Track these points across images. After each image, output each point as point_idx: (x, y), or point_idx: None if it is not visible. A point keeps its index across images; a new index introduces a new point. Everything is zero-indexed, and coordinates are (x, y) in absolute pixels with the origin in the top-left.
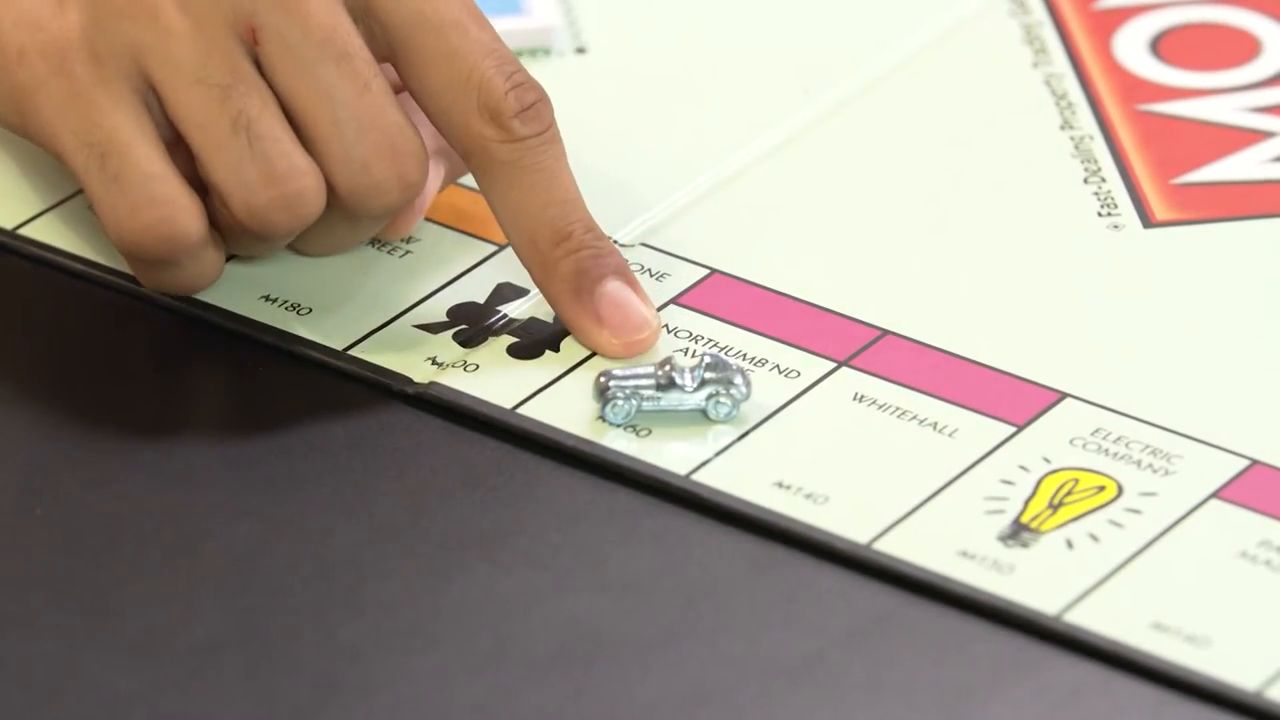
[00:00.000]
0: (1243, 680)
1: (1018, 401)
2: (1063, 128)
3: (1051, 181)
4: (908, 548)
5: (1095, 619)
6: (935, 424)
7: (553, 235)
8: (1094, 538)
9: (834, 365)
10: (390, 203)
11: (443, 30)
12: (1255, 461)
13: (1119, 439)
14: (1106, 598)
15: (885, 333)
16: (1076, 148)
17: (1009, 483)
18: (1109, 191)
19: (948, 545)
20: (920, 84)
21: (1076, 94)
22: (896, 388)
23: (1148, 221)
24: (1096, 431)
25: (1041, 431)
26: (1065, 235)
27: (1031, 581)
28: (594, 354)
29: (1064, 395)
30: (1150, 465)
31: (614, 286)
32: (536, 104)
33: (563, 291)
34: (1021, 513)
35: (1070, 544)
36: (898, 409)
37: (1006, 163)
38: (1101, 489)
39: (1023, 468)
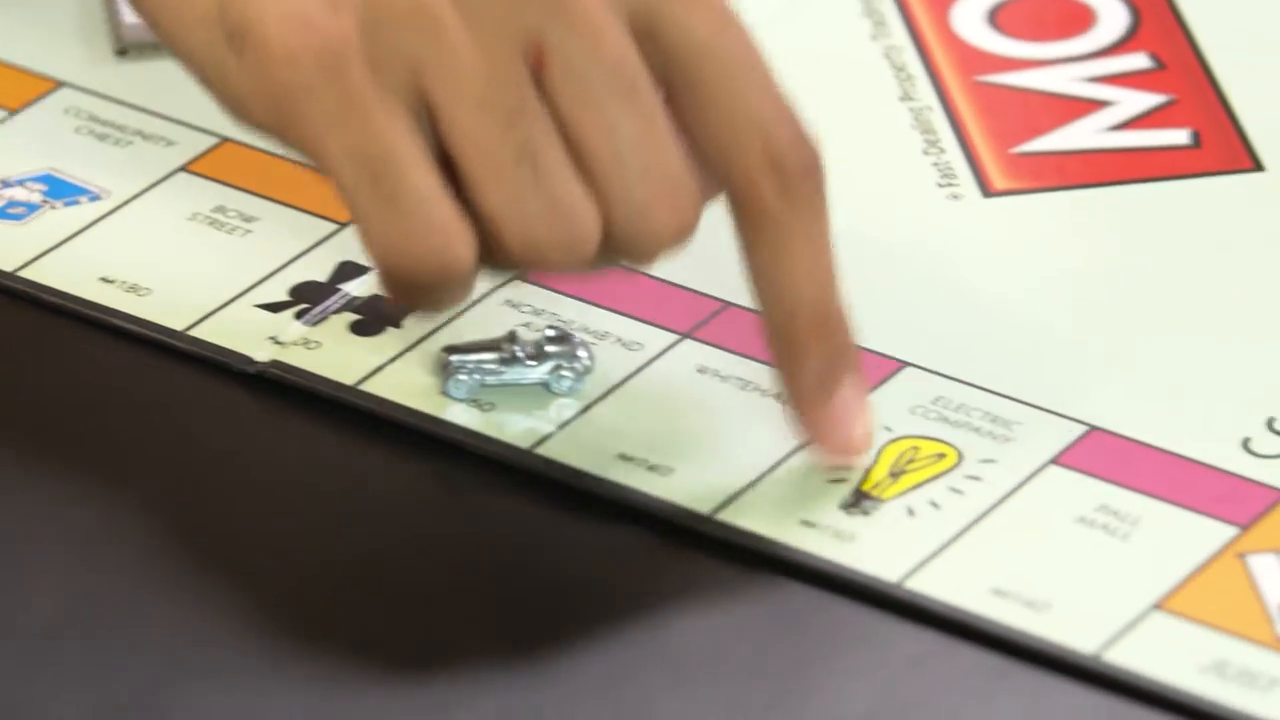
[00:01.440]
0: (1081, 644)
1: (864, 372)
2: (902, 99)
3: (891, 153)
4: (750, 518)
5: (936, 586)
6: (778, 395)
7: (813, 317)
8: (935, 505)
9: (677, 337)
10: (663, 249)
11: (732, 65)
12: (1093, 427)
13: (959, 407)
14: (947, 564)
15: (727, 305)
16: (916, 119)
17: None
18: (948, 162)
19: (790, 515)
20: None
21: (915, 66)
22: (739, 359)
23: (986, 191)
24: (937, 400)
25: (882, 400)
26: (905, 206)
27: (873, 549)
28: (437, 329)
29: (904, 364)
30: (990, 432)
31: (849, 393)
32: (818, 166)
33: (806, 385)
34: (863, 481)
35: (911, 511)
36: (740, 380)
37: (846, 135)
38: (942, 456)
39: None
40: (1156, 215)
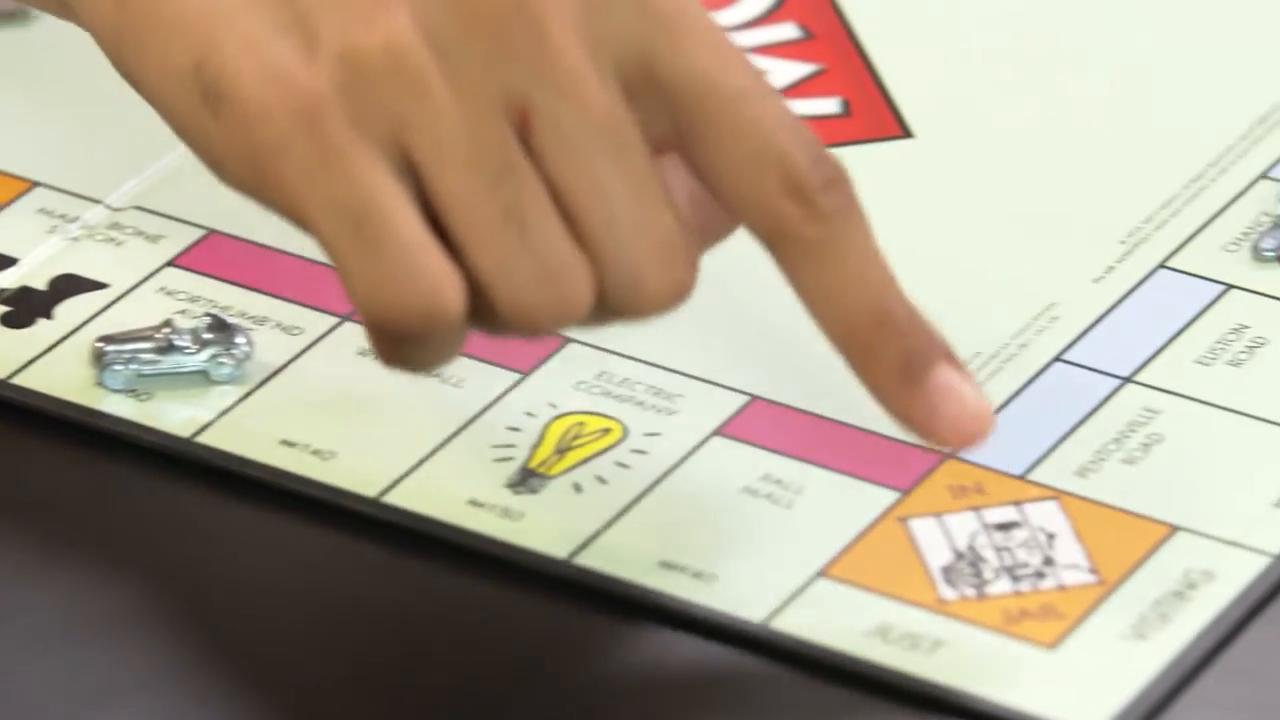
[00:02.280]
0: (749, 613)
1: (522, 348)
2: None
3: None
4: (417, 499)
5: (605, 560)
6: (441, 374)
7: (874, 318)
8: (601, 480)
9: (337, 320)
10: (659, 311)
11: (737, 101)
12: (754, 397)
13: (623, 381)
14: (615, 539)
15: None
16: None
17: (516, 429)
18: None
19: (457, 495)
20: None
21: None
22: None
23: None
24: (601, 375)
25: (546, 377)
26: None
27: (541, 527)
28: (91, 318)
29: (568, 340)
30: (654, 406)
31: (944, 373)
32: (839, 177)
33: (890, 381)
34: (529, 459)
35: (579, 487)
36: None
37: None
38: (607, 431)
39: (529, 414)
40: None
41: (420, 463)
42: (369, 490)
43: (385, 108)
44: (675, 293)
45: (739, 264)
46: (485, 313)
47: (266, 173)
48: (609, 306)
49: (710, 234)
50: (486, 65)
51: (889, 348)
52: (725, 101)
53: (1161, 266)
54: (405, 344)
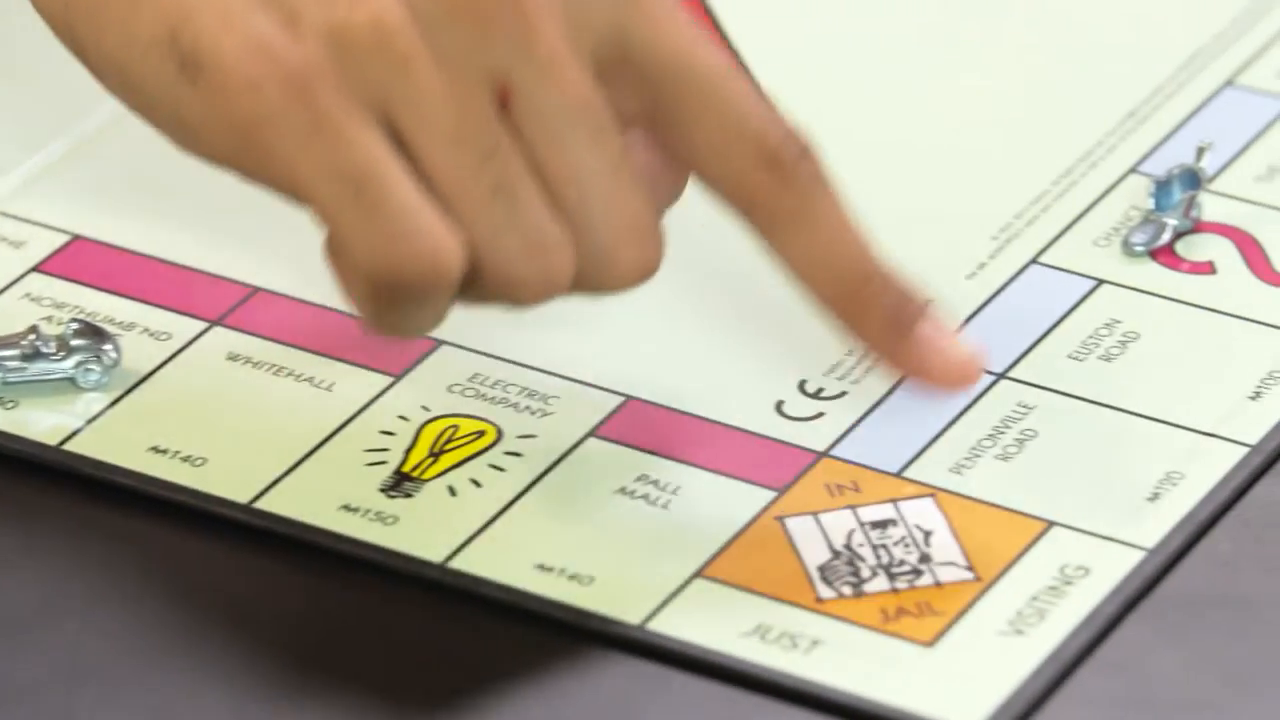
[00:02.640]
0: (626, 615)
1: (394, 352)
2: None
3: None
4: (290, 504)
5: (481, 564)
6: (312, 379)
7: (859, 277)
8: (476, 483)
9: (206, 325)
10: (626, 287)
11: (712, 79)
12: (629, 397)
13: (496, 383)
14: (491, 542)
15: (256, 290)
16: None
17: (389, 433)
18: None
19: (331, 500)
20: None
21: None
22: (271, 344)
23: None
24: (474, 377)
25: (419, 380)
26: None
27: (416, 530)
28: None
29: (440, 343)
30: (528, 408)
31: (932, 324)
32: (809, 148)
33: (882, 336)
34: (403, 463)
35: (453, 491)
36: (274, 366)
37: None
38: (481, 434)
39: (402, 417)
40: None
41: (293, 468)
42: (241, 496)
43: (374, 83)
44: (645, 270)
45: None
46: (472, 283)
47: (254, 143)
48: (581, 281)
49: (659, 206)
50: (471, 45)
51: (877, 304)
52: (701, 80)
53: (1033, 262)
54: (400, 305)
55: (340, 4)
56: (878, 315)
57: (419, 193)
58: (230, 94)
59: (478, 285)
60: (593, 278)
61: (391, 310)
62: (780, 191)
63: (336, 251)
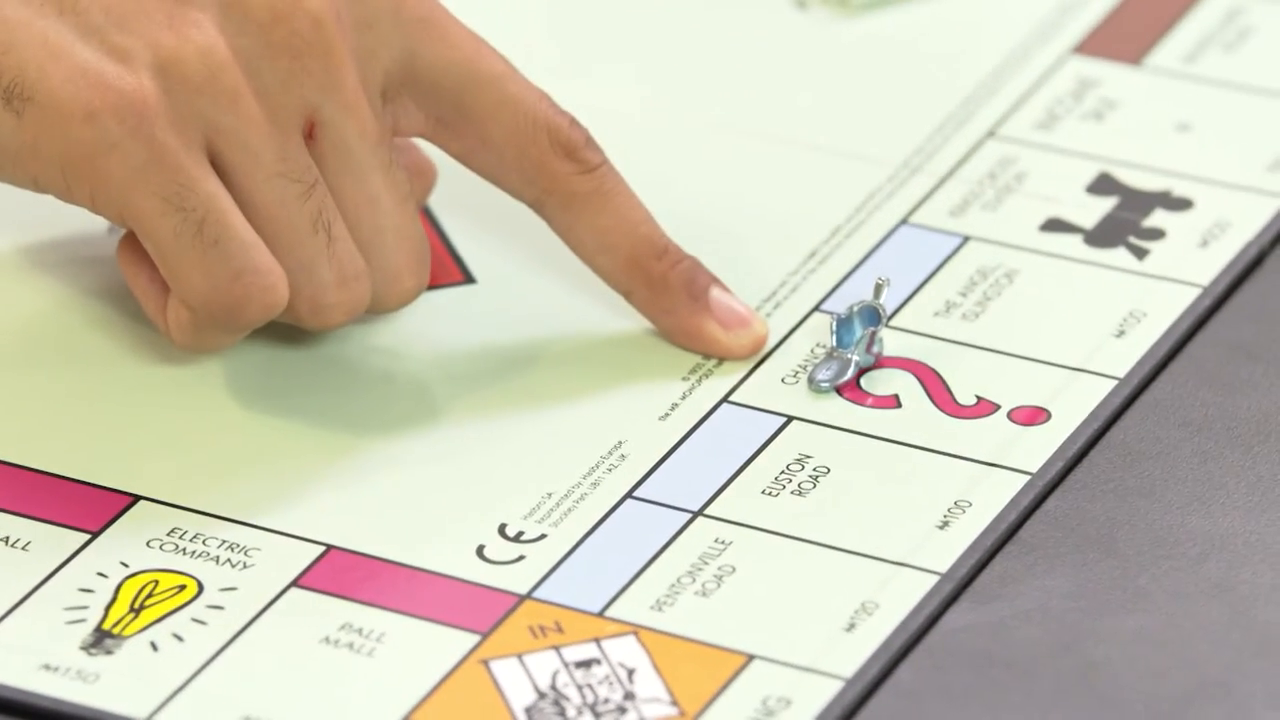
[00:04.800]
0: None
1: (90, 508)
2: None
3: None
4: None
5: (186, 718)
6: (7, 538)
7: (653, 250)
8: (178, 637)
9: None
10: (403, 305)
11: (496, 82)
12: (331, 546)
13: (196, 536)
14: (195, 696)
15: None
16: None
17: (88, 590)
18: None
19: (29, 660)
20: None
21: None
22: None
23: None
24: (173, 531)
25: (117, 536)
26: None
27: (118, 688)
28: None
29: (137, 498)
30: (229, 560)
31: (718, 292)
32: (590, 135)
33: (679, 301)
34: (103, 620)
35: (155, 646)
36: None
37: None
38: (182, 588)
39: (101, 574)
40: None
41: None
42: None
43: (203, 115)
44: (418, 292)
45: (325, 410)
46: (286, 310)
47: (86, 171)
48: (371, 304)
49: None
50: (288, 80)
51: (673, 273)
52: (489, 83)
53: (724, 401)
54: (224, 333)
55: (165, 37)
56: (676, 282)
57: (252, 230)
58: (64, 123)
59: (289, 311)
60: (380, 302)
61: (213, 336)
62: (577, 175)
63: (176, 282)
